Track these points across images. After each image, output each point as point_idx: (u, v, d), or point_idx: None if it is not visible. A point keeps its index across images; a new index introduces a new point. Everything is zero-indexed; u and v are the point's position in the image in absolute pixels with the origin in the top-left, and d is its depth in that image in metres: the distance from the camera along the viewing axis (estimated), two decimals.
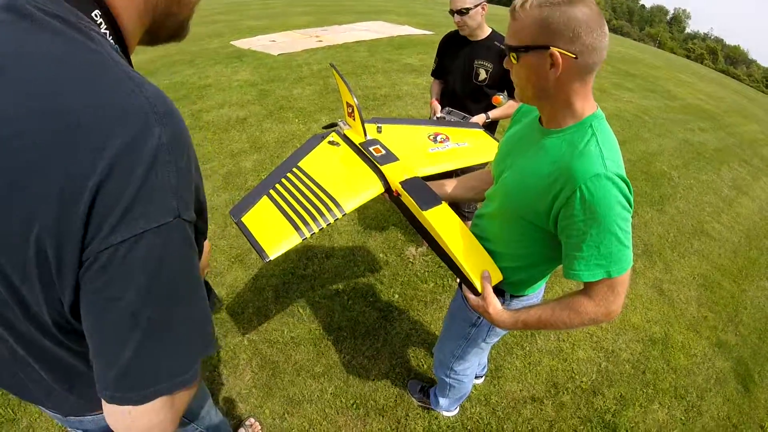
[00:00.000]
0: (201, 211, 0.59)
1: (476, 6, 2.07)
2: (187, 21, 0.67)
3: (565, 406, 2.12)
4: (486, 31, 2.22)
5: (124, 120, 0.47)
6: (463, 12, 2.08)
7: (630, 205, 0.90)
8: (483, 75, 2.20)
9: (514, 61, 0.95)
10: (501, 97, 2.26)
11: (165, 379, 0.54)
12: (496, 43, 2.18)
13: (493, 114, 2.26)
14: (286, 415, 1.98)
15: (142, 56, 7.37)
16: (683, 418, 2.17)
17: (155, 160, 0.48)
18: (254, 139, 4.39)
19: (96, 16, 0.54)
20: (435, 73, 2.48)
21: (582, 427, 2.04)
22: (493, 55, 2.16)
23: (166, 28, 0.65)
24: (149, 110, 0.48)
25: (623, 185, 0.88)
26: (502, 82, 2.22)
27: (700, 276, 3.29)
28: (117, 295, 0.49)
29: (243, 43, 8.23)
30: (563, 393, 2.18)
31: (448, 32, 2.41)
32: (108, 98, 0.47)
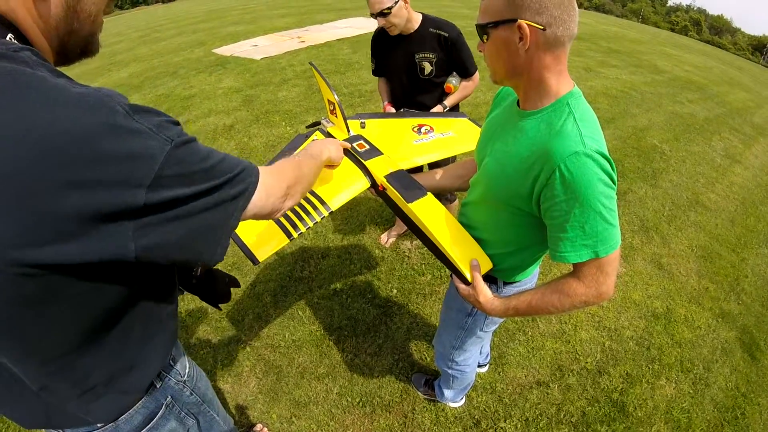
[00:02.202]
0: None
1: (396, 2, 1.92)
2: (93, 36, 0.67)
3: (572, 388, 2.12)
4: (416, 20, 2.07)
5: None
6: (385, 13, 1.93)
7: (613, 182, 0.88)
8: (428, 68, 2.11)
9: (484, 41, 0.94)
10: (452, 83, 2.15)
11: None
12: (431, 30, 2.05)
13: (449, 102, 2.18)
14: (293, 418, 1.98)
15: (123, 72, 7.35)
16: (691, 391, 2.16)
17: None
18: (242, 145, 4.37)
19: (10, 39, 0.54)
20: (376, 72, 2.35)
21: (590, 408, 2.04)
22: (433, 44, 2.06)
23: (72, 45, 0.65)
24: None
25: (604, 162, 0.86)
26: (450, 66, 2.12)
27: (698, 248, 3.29)
28: None
29: (225, 50, 8.19)
30: (569, 375, 2.17)
31: (377, 29, 2.18)
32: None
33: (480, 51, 0.97)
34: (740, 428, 2.01)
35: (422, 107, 2.21)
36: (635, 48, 9.82)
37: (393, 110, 2.28)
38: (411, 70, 2.15)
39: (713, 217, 3.74)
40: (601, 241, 0.89)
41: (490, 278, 1.16)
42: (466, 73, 2.18)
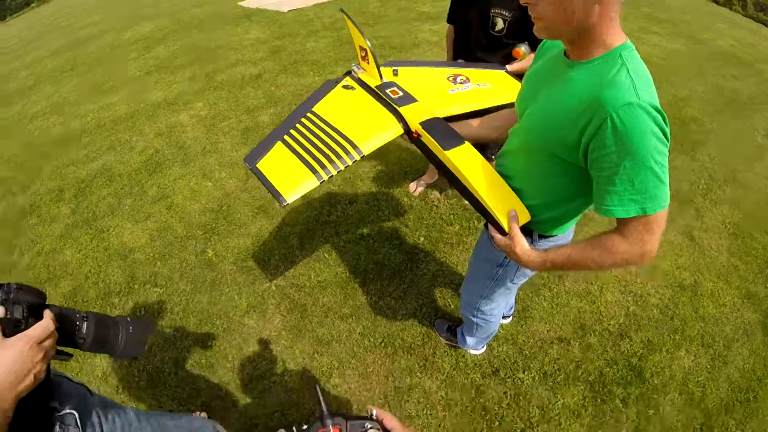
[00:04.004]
0: None
1: None
2: None
3: (592, 347, 2.12)
4: None
5: None
6: None
7: (666, 139, 0.85)
8: (500, 25, 2.01)
9: None
10: (522, 49, 2.05)
11: None
12: None
13: (511, 68, 2.04)
14: (315, 354, 2.02)
15: (147, 25, 7.24)
16: (709, 366, 2.13)
17: None
18: (270, 94, 4.32)
19: None
20: (449, 19, 2.29)
21: (608, 368, 2.04)
22: (511, 2, 1.95)
23: None
24: None
25: (658, 116, 0.82)
26: (522, 32, 2.01)
27: (731, 225, 3.18)
28: None
29: (251, 3, 8.00)
30: (590, 335, 2.17)
31: None
32: None
33: (527, 3, 0.91)
34: (751, 411, 1.97)
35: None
36: (678, 17, 9.25)
37: None
38: (483, 23, 2.06)
39: (749, 196, 3.59)
40: (650, 197, 0.86)
41: (525, 231, 1.12)
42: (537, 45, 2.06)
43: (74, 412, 0.91)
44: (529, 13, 0.92)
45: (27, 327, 0.73)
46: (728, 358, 2.19)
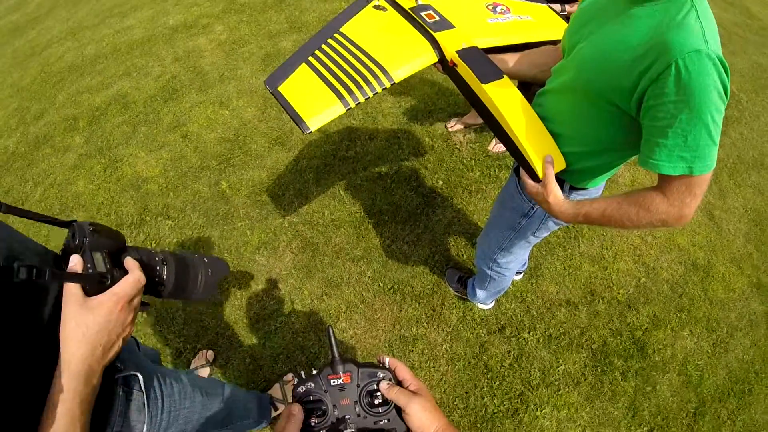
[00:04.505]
0: None
1: None
2: None
3: (599, 315, 2.12)
4: None
5: None
6: None
7: (727, 95, 0.79)
8: None
9: None
10: None
11: None
12: None
13: (571, 8, 1.90)
14: (324, 296, 2.03)
15: None
16: (710, 351, 2.13)
17: None
18: (293, 19, 4.12)
19: None
20: None
21: (612, 339, 2.05)
22: None
23: None
24: None
25: (723, 70, 0.76)
26: None
27: (752, 210, 3.11)
28: None
29: None
30: (599, 302, 2.16)
31: None
32: None
33: None
34: (744, 404, 1.99)
35: None
36: None
37: None
38: None
39: None
40: (700, 157, 0.81)
41: (557, 180, 1.06)
42: None
43: (138, 374, 0.81)
44: None
45: (113, 282, 0.59)
46: (730, 345, 2.19)
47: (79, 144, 3.06)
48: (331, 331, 0.62)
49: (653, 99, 0.81)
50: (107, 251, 0.60)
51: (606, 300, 2.18)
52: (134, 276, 0.61)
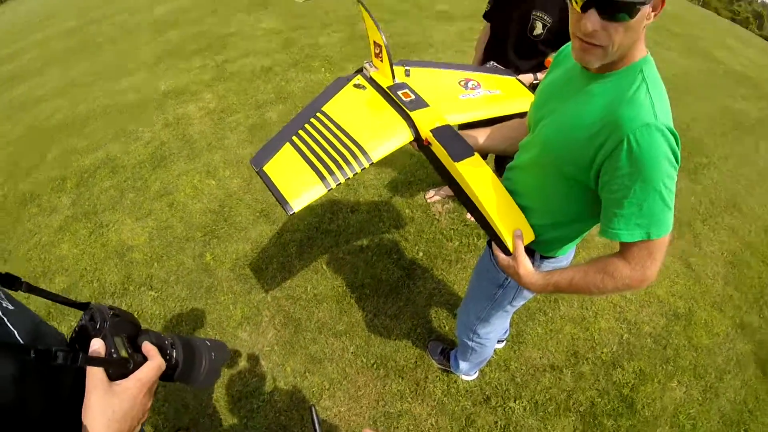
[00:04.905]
0: None
1: None
2: None
3: (584, 376, 2.12)
4: None
5: None
6: None
7: (677, 162, 0.84)
8: (539, 29, 1.94)
9: (633, 15, 0.80)
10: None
11: None
12: None
13: (543, 76, 2.05)
14: (307, 373, 2.02)
15: (160, 8, 7.14)
16: (700, 398, 2.14)
17: None
18: (279, 89, 4.28)
19: None
20: (487, 15, 2.18)
21: (599, 399, 2.05)
22: (554, 7, 1.89)
23: None
24: None
25: (672, 139, 0.82)
26: (557, 41, 1.94)
27: (729, 252, 3.18)
28: None
29: None
30: (583, 363, 2.17)
31: None
32: None
33: (595, 30, 0.83)
34: None
35: (513, 70, 2.02)
36: (693, 32, 9.17)
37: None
38: (522, 25, 1.99)
39: (748, 223, 3.58)
40: (656, 223, 0.86)
41: (527, 251, 1.11)
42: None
43: None
44: (589, 40, 0.85)
45: (135, 367, 0.59)
46: (720, 390, 2.20)
47: (66, 205, 3.08)
48: (314, 411, 0.63)
49: (609, 173, 0.87)
50: (127, 336, 0.61)
51: (590, 360, 2.19)
52: (156, 362, 0.62)
